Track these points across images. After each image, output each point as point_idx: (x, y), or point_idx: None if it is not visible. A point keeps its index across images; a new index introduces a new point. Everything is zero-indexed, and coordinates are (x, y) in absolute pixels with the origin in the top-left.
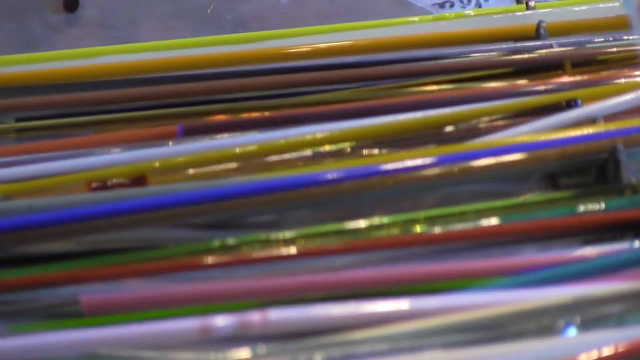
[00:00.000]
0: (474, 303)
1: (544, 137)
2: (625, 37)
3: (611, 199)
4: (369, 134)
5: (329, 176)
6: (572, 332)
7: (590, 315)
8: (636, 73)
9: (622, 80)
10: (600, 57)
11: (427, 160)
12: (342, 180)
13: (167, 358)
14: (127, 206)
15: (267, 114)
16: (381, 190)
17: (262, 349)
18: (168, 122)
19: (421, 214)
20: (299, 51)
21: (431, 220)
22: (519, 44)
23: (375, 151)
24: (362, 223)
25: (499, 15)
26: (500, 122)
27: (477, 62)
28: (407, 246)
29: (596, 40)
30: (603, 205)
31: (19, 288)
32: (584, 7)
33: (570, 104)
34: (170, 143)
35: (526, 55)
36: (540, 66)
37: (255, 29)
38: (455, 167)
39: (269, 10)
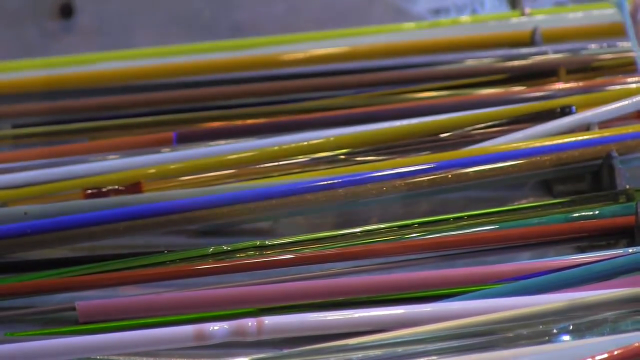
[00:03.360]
0: (468, 310)
1: (538, 144)
2: (619, 44)
3: (605, 206)
4: (364, 140)
5: (324, 183)
6: (566, 338)
7: (584, 321)
8: (630, 80)
9: (617, 87)
10: (595, 64)
11: (422, 167)
12: (338, 186)
13: None
14: (122, 213)
15: (262, 120)
16: (376, 196)
17: (256, 355)
18: (163, 128)
19: (416, 221)
20: (294, 58)
21: (426, 227)
22: (514, 51)
23: (371, 158)
24: (357, 230)
25: (494, 22)
26: (495, 129)
27: (472, 69)
28: (402, 253)
29: (591, 47)
30: (597, 212)
31: (14, 294)
32: (578, 14)
33: (565, 111)
34: (165, 150)
35: (521, 62)
36: (535, 73)
37: (250, 36)
38: (450, 174)
39: (263, 17)
